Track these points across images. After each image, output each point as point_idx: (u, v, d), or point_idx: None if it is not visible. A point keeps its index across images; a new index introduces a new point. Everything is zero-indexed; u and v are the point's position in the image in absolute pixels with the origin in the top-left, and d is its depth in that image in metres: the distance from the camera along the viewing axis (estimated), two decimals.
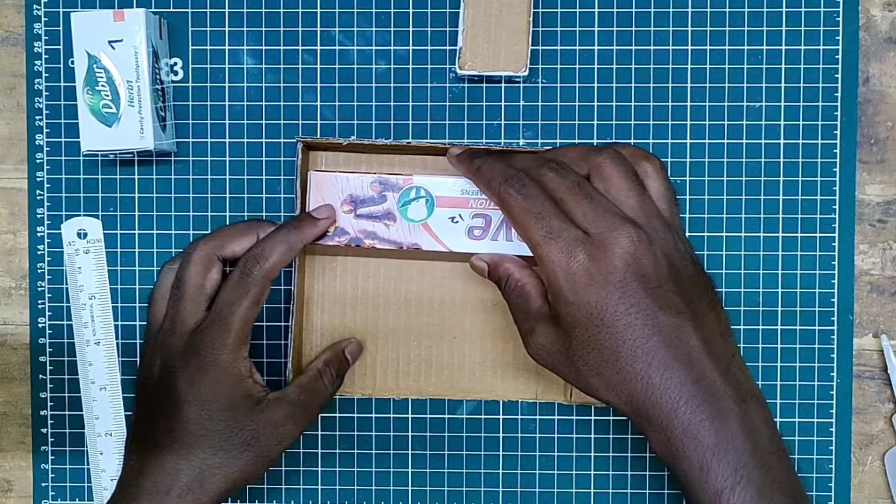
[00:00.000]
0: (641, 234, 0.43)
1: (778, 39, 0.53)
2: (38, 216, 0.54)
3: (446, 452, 0.54)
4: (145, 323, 0.51)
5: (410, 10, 0.54)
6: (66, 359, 0.55)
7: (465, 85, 0.54)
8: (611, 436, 0.54)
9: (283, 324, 0.54)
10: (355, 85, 0.54)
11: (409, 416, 0.55)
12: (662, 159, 0.53)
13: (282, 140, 0.54)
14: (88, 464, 0.55)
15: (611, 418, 0.54)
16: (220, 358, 0.47)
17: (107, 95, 0.50)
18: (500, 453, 0.55)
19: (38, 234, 0.55)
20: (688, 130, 0.54)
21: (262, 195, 0.54)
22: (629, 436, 0.54)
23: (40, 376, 0.55)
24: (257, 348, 0.54)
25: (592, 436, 0.54)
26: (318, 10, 0.54)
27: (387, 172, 0.51)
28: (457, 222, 0.50)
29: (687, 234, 0.54)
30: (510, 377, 0.54)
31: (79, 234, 0.54)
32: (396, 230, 0.51)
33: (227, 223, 0.54)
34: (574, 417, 0.54)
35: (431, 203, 0.50)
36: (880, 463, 0.54)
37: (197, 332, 0.47)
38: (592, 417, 0.54)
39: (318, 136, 0.54)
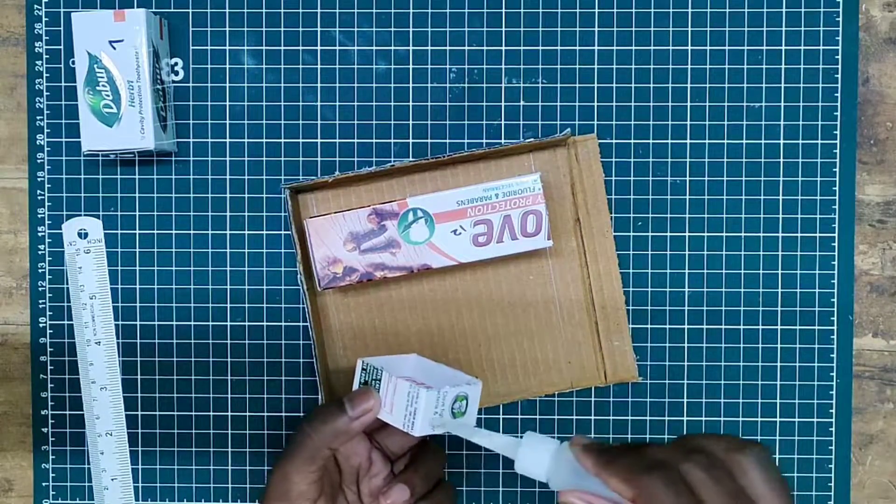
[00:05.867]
0: None
1: (778, 39, 0.54)
2: (39, 216, 0.55)
3: (446, 452, 0.54)
4: None
5: (410, 10, 0.54)
6: (66, 358, 0.55)
7: (465, 85, 0.54)
8: (610, 435, 0.54)
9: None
10: (355, 85, 0.54)
11: None
12: (662, 159, 0.54)
13: (282, 140, 0.54)
14: (89, 463, 0.55)
15: (611, 418, 0.54)
16: None
17: (107, 95, 0.50)
18: (501, 453, 0.55)
19: (39, 234, 0.55)
20: (688, 130, 0.54)
21: (263, 195, 0.54)
22: (629, 435, 0.54)
23: (41, 376, 0.55)
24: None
25: (592, 435, 0.54)
26: (319, 10, 0.54)
27: (380, 202, 0.51)
28: (459, 234, 0.50)
29: (687, 234, 0.54)
30: (542, 372, 0.54)
31: (79, 234, 0.54)
32: (403, 255, 0.50)
33: (228, 224, 0.54)
34: (574, 417, 0.54)
35: (431, 221, 0.50)
36: (880, 462, 0.54)
37: None
38: (592, 417, 0.54)
39: (318, 137, 0.54)
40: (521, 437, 0.44)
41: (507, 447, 0.45)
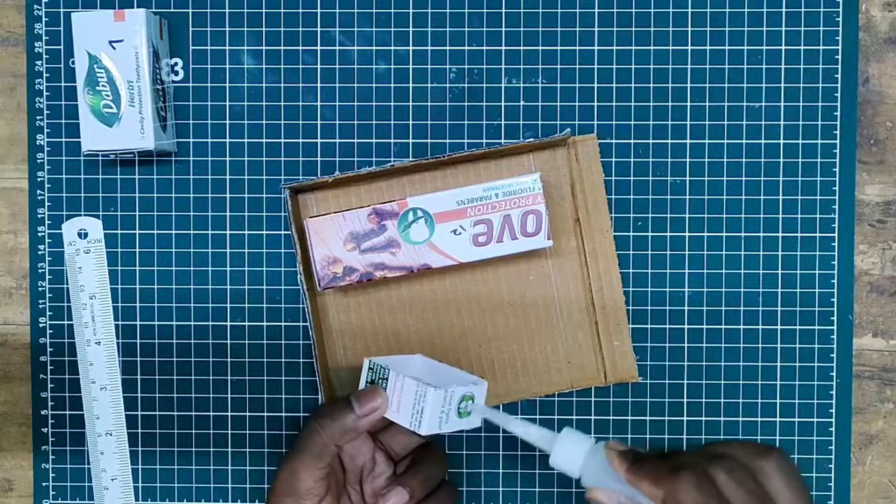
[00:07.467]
0: None
1: (778, 39, 0.54)
2: (39, 216, 0.55)
3: (446, 453, 0.54)
4: None
5: (410, 10, 0.54)
6: (66, 358, 0.55)
7: (465, 85, 0.54)
8: (610, 436, 0.54)
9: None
10: (355, 85, 0.54)
11: None
12: (662, 159, 0.54)
13: (282, 140, 0.54)
14: (89, 463, 0.55)
15: (611, 418, 0.54)
16: None
17: (107, 95, 0.50)
18: (500, 453, 0.55)
19: (39, 234, 0.55)
20: (688, 130, 0.54)
21: (263, 195, 0.54)
22: (629, 436, 0.54)
23: (41, 376, 0.55)
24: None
25: (592, 435, 0.54)
26: (319, 10, 0.54)
27: (380, 202, 0.51)
28: (459, 234, 0.50)
29: (687, 234, 0.54)
30: (542, 372, 0.54)
31: (79, 234, 0.54)
32: (403, 255, 0.50)
33: (228, 224, 0.54)
34: (574, 417, 0.54)
35: (431, 221, 0.50)
36: (880, 462, 0.54)
37: None
38: (592, 417, 0.54)
39: (318, 137, 0.54)
40: (558, 432, 0.46)
41: (542, 441, 0.46)
